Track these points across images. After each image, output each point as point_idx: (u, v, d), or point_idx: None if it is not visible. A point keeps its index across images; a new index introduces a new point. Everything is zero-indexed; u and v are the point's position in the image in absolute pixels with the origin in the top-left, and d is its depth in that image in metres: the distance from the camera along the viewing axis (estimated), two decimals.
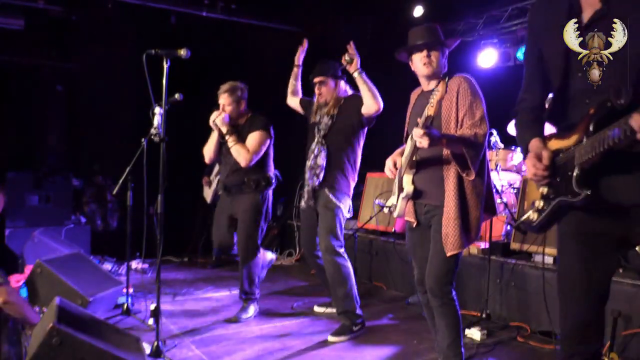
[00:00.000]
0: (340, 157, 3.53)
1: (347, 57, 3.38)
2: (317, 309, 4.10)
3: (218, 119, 3.65)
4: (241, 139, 3.67)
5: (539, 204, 1.73)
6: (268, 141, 3.74)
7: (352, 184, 3.61)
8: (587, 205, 1.58)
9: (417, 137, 2.34)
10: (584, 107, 1.58)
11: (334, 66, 3.64)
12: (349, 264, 3.55)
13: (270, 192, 3.86)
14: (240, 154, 3.61)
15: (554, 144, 1.67)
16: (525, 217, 1.80)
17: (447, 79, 2.41)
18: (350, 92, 3.67)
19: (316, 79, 3.64)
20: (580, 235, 1.67)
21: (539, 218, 1.72)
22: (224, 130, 3.64)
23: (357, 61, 3.36)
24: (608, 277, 1.67)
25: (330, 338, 3.42)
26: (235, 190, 3.76)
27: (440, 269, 2.53)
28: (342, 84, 3.66)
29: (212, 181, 5.71)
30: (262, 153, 3.68)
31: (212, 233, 3.98)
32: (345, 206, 3.56)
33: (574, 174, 1.56)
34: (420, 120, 2.43)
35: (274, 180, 3.83)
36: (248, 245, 3.73)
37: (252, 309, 3.86)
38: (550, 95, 1.84)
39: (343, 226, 3.57)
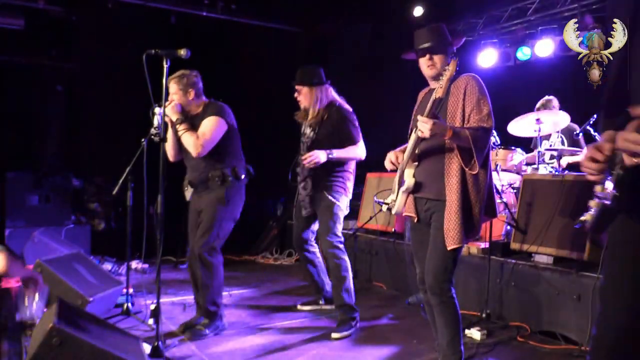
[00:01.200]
0: (327, 166, 3.59)
1: (309, 164, 3.52)
2: (300, 307, 4.12)
3: (168, 108, 3.33)
4: (195, 129, 3.39)
5: (594, 203, 1.59)
6: (223, 127, 3.41)
7: (349, 183, 3.70)
8: (628, 209, 1.46)
9: (422, 124, 2.34)
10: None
11: (312, 73, 3.65)
12: (346, 260, 3.65)
13: (241, 188, 3.54)
14: (190, 142, 3.33)
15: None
16: (582, 218, 1.65)
17: (457, 58, 2.42)
18: (335, 97, 3.70)
19: (296, 87, 3.72)
20: (628, 244, 1.57)
21: (590, 219, 1.59)
22: (174, 118, 3.36)
23: (318, 156, 3.47)
24: None
25: (334, 335, 3.46)
26: (201, 187, 3.51)
27: (438, 266, 2.54)
28: (323, 90, 3.64)
29: None
30: (215, 140, 3.37)
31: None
32: (343, 203, 3.65)
33: (616, 172, 1.45)
34: (428, 106, 2.45)
35: (243, 175, 3.52)
36: (203, 244, 3.38)
37: (213, 326, 3.44)
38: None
39: (341, 222, 3.68)
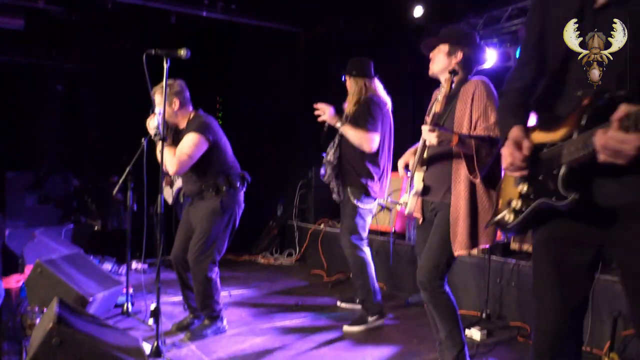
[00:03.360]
0: (355, 158, 3.56)
1: (317, 111, 3.50)
2: (339, 303, 4.18)
3: (151, 121, 3.20)
4: (178, 143, 3.26)
5: (517, 203, 1.58)
6: (203, 145, 3.23)
7: (374, 182, 3.58)
8: (572, 209, 1.43)
9: (425, 134, 2.39)
10: (574, 99, 1.46)
11: (355, 63, 3.65)
12: (367, 257, 3.63)
13: (239, 196, 3.43)
14: (167, 159, 3.18)
15: (538, 137, 1.51)
16: (499, 217, 1.64)
17: (452, 74, 2.43)
18: (377, 91, 3.64)
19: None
20: (555, 242, 1.56)
21: (515, 220, 1.57)
22: (152, 132, 3.19)
23: (328, 111, 3.42)
24: (585, 287, 1.57)
25: (346, 328, 3.52)
26: (197, 198, 3.41)
27: (430, 262, 2.56)
28: (366, 83, 3.61)
29: (175, 180, 5.28)
30: (194, 158, 3.21)
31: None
32: (365, 203, 3.58)
33: (560, 173, 1.41)
34: (429, 118, 2.48)
35: (238, 183, 3.40)
36: (199, 256, 3.29)
37: (214, 327, 3.43)
38: None
39: (365, 221, 3.64)
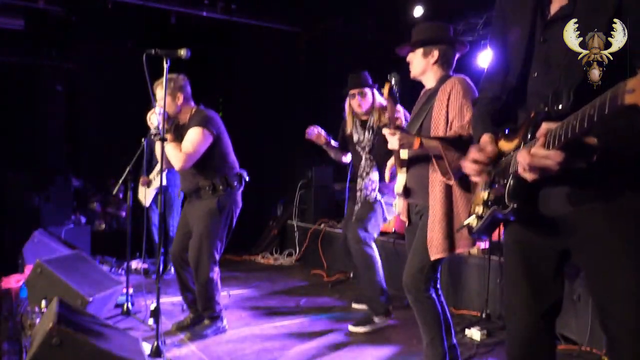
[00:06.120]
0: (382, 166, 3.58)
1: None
2: (354, 305, 4.18)
3: (153, 115, 3.16)
4: (181, 139, 3.24)
5: (479, 209, 1.61)
6: (207, 139, 3.22)
7: (381, 184, 3.64)
8: (520, 218, 1.47)
9: (389, 137, 2.37)
10: (532, 107, 1.47)
11: (367, 76, 3.69)
12: (375, 254, 3.61)
13: (236, 196, 3.40)
14: (172, 155, 3.16)
15: (502, 145, 1.54)
16: (466, 222, 1.68)
17: (390, 79, 2.45)
18: (382, 101, 3.66)
19: (354, 91, 3.67)
20: (520, 246, 1.58)
21: (477, 225, 1.61)
22: (153, 128, 3.18)
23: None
24: (553, 291, 1.57)
25: (351, 328, 3.50)
26: (194, 196, 3.38)
27: (414, 265, 2.54)
28: (376, 93, 3.68)
29: (152, 181, 4.95)
30: (199, 153, 3.20)
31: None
32: (384, 205, 3.60)
33: (508, 182, 1.44)
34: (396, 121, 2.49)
35: (236, 183, 3.37)
36: (200, 258, 3.29)
37: (214, 327, 3.43)
38: None
39: (379, 222, 3.63)
